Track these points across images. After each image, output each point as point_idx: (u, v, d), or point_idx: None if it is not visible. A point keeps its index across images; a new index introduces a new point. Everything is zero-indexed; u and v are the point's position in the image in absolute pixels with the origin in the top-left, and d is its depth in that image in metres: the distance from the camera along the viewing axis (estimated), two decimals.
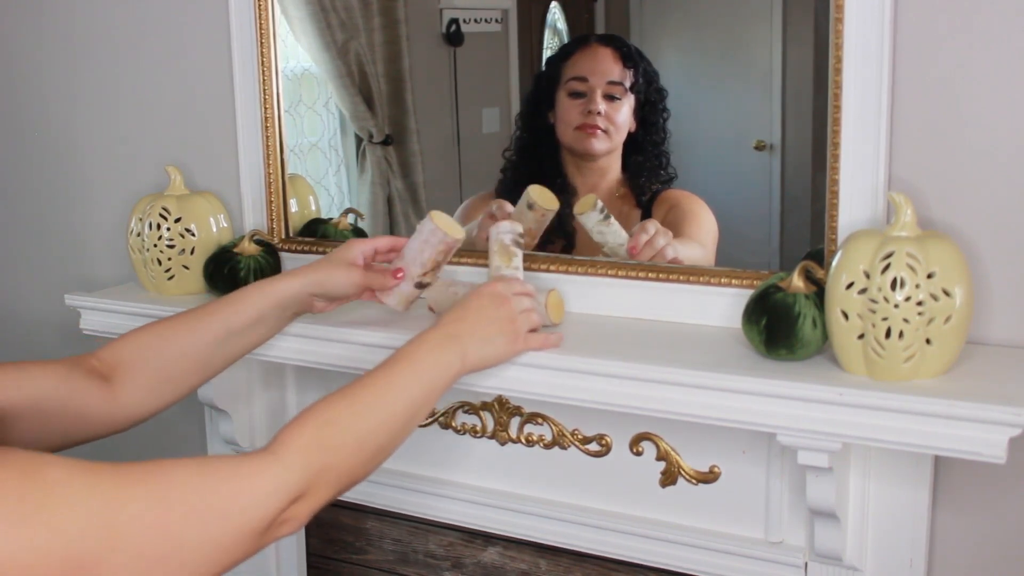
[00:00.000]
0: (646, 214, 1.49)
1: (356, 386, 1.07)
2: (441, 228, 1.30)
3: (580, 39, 1.58)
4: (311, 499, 0.97)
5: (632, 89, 1.49)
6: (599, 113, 1.49)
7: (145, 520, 0.83)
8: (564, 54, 1.55)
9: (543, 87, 1.55)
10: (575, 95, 1.50)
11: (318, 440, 0.98)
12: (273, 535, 0.94)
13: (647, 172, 1.51)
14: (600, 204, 1.42)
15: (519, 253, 1.32)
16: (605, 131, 1.50)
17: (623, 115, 1.50)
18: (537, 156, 1.56)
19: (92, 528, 0.80)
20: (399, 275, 1.32)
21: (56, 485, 0.80)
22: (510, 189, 1.57)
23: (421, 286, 1.34)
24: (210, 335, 1.25)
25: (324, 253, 1.59)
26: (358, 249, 1.32)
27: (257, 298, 1.29)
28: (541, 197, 1.44)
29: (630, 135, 1.51)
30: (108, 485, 0.83)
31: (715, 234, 1.44)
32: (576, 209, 1.44)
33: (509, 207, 1.48)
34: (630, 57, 1.49)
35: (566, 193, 1.52)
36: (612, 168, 1.53)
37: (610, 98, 1.49)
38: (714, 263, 1.40)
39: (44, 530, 0.78)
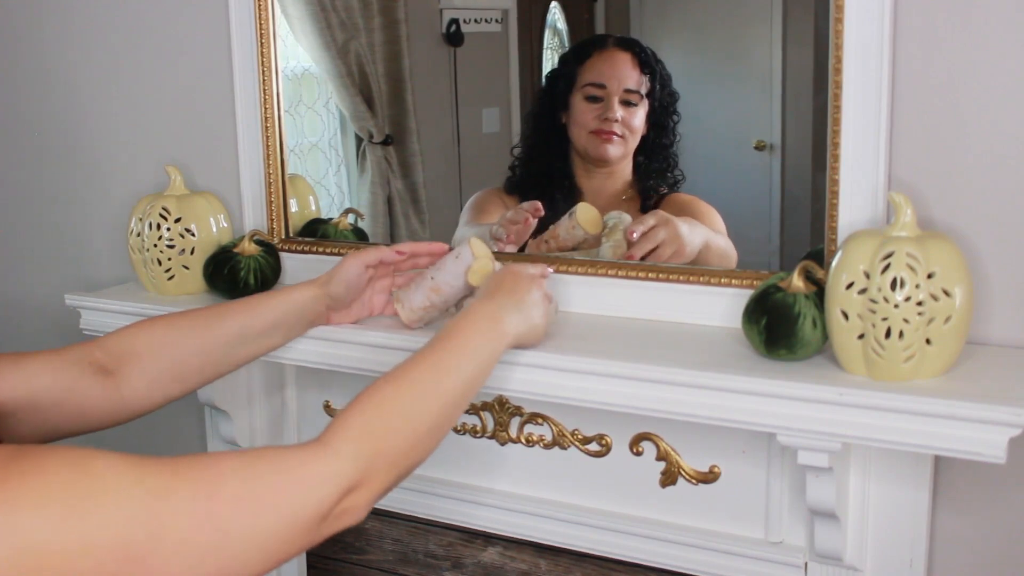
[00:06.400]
0: None
1: (407, 367, 1.05)
2: (479, 273, 1.28)
3: (597, 41, 1.55)
4: (368, 489, 0.95)
5: (648, 95, 1.48)
6: (616, 120, 1.48)
7: (191, 510, 0.83)
8: (581, 56, 1.53)
9: (558, 88, 1.53)
10: (591, 99, 1.49)
11: (368, 428, 0.97)
12: (332, 526, 0.93)
13: (655, 175, 1.51)
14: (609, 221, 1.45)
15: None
16: (621, 136, 1.49)
17: (639, 120, 1.49)
18: (546, 156, 1.55)
19: (139, 518, 0.80)
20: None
21: (103, 476, 0.80)
22: (519, 186, 1.56)
23: (434, 307, 1.33)
24: (227, 335, 1.25)
25: (324, 253, 1.60)
26: (373, 251, 1.34)
27: (278, 303, 1.29)
28: (586, 219, 1.43)
29: (641, 138, 1.50)
30: (154, 476, 0.83)
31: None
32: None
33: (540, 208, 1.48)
34: (647, 63, 1.48)
35: (572, 194, 1.52)
36: (622, 172, 1.52)
37: (626, 104, 1.48)
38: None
39: (92, 520, 0.78)
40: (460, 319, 1.12)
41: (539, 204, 1.48)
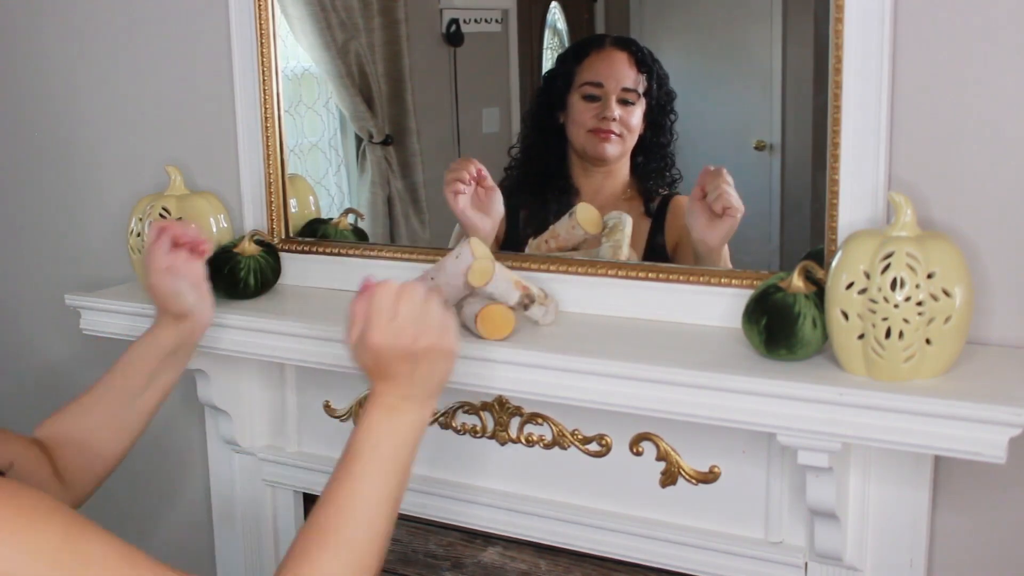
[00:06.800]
0: (656, 221, 1.49)
1: (333, 496, 1.02)
2: (479, 273, 1.27)
3: (594, 40, 1.56)
4: None
5: (645, 94, 1.48)
6: (614, 119, 1.49)
7: None
8: (578, 55, 1.53)
9: (555, 87, 1.53)
10: (589, 99, 1.50)
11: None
12: None
13: (654, 174, 1.51)
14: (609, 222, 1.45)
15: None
16: (619, 135, 1.49)
17: (636, 119, 1.49)
18: (544, 156, 1.56)
19: None
20: (205, 246, 1.36)
21: (93, 559, 0.82)
22: (515, 187, 1.56)
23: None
24: (116, 404, 1.32)
25: (324, 253, 1.60)
26: (150, 255, 1.34)
27: (140, 360, 1.34)
28: (586, 219, 1.43)
29: (639, 137, 1.50)
30: (147, 572, 0.84)
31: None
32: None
33: (481, 168, 1.51)
34: (644, 62, 1.48)
35: (571, 194, 1.52)
36: (620, 172, 1.52)
37: (624, 103, 1.49)
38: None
39: None
40: (365, 422, 1.06)
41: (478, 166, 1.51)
